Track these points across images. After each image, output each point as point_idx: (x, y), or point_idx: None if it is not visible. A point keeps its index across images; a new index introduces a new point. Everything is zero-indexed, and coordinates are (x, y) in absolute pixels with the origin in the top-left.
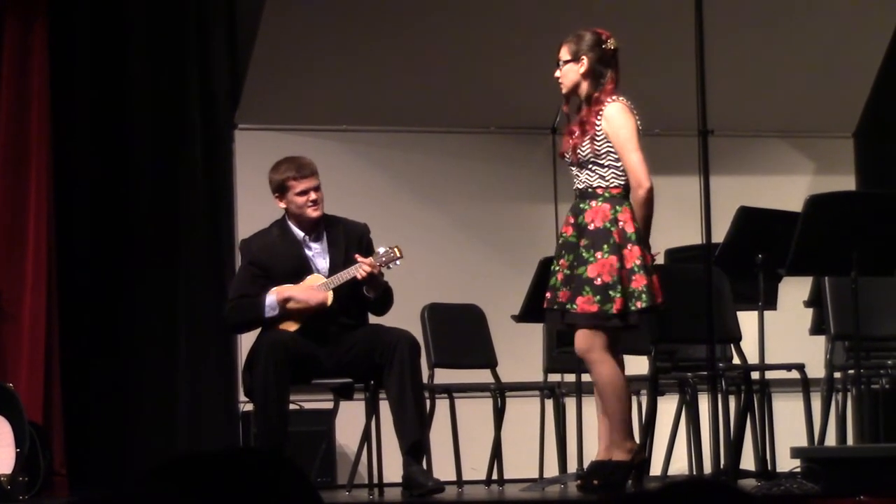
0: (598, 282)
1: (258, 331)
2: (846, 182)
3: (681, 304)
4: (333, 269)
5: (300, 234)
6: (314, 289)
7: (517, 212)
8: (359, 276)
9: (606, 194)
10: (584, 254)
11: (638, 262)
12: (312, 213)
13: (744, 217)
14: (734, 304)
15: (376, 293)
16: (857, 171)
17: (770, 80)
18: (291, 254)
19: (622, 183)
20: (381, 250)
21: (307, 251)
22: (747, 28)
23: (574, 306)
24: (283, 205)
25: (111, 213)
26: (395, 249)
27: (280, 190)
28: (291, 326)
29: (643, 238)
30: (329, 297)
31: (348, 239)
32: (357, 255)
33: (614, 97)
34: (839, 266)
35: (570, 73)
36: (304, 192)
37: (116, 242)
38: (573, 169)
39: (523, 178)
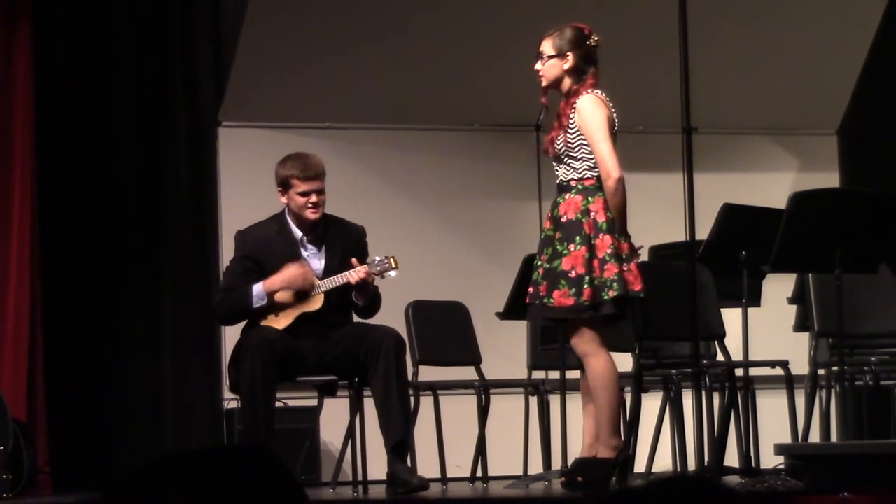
0: (573, 274)
1: (243, 328)
2: (830, 179)
3: (665, 301)
4: (328, 273)
5: (298, 233)
6: (298, 270)
7: (501, 209)
8: (352, 281)
9: (579, 186)
10: (558, 247)
11: (609, 251)
12: (311, 215)
13: (728, 214)
14: (718, 300)
15: (365, 300)
16: (841, 168)
17: (754, 78)
18: (287, 252)
19: (596, 174)
20: (377, 259)
21: (303, 251)
22: (731, 25)
23: (551, 300)
24: (284, 200)
25: (96, 211)
26: (391, 260)
27: (283, 185)
28: (279, 324)
29: (616, 227)
30: (320, 301)
31: (345, 243)
32: (354, 260)
33: (590, 91)
34: (823, 263)
35: (553, 69)
36: (306, 194)
37: (101, 239)
38: (553, 164)
39: (507, 176)
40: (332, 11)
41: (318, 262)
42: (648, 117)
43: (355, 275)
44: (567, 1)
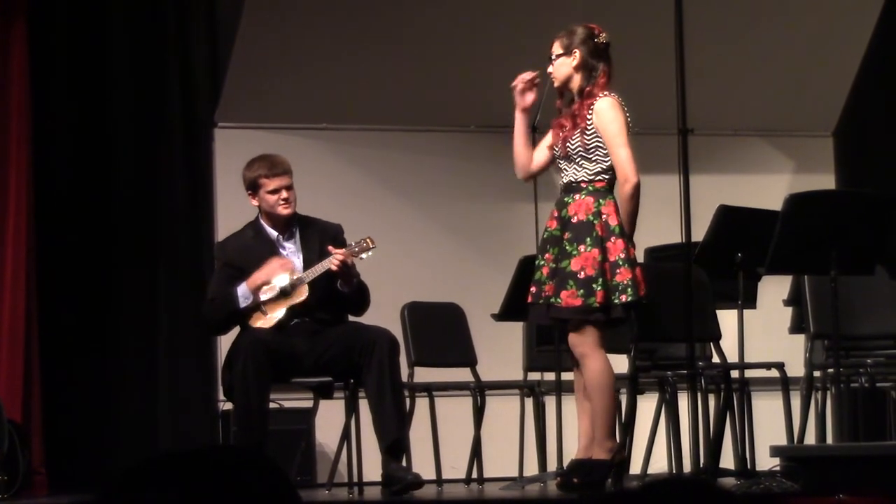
0: (582, 275)
1: (237, 330)
2: (826, 181)
3: (661, 302)
4: (307, 266)
5: (274, 233)
6: (277, 260)
7: (497, 210)
8: (332, 268)
9: (590, 188)
10: (567, 247)
11: (622, 255)
12: (283, 210)
13: (723, 216)
14: (714, 302)
15: (350, 287)
16: (837, 170)
17: (750, 79)
18: (266, 254)
19: (607, 177)
20: (353, 242)
21: (281, 250)
22: (727, 27)
23: (559, 300)
24: (255, 202)
25: (92, 212)
26: (368, 240)
27: (252, 187)
28: (268, 322)
29: (626, 233)
30: (305, 291)
31: (322, 239)
32: (330, 247)
33: (606, 92)
34: (819, 265)
35: (562, 67)
36: (276, 191)
37: (97, 241)
38: (561, 163)
39: (503, 177)
40: (328, 13)
41: (297, 260)
42: (644, 119)
43: (335, 259)
44: (563, 3)
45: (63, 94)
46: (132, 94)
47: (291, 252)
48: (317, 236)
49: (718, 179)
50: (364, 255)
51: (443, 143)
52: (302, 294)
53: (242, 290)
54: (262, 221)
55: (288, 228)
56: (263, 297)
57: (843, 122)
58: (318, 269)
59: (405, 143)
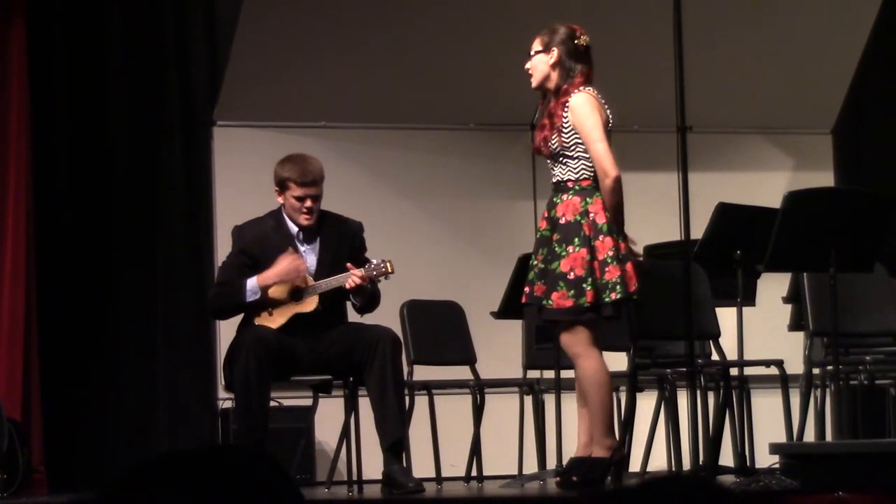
0: (571, 276)
1: (238, 327)
2: (825, 178)
3: (660, 300)
4: (321, 268)
5: (294, 229)
6: (290, 259)
7: (496, 208)
8: (347, 287)
9: (577, 187)
10: (556, 248)
11: (610, 253)
12: (303, 220)
13: (722, 213)
14: (713, 300)
15: (362, 301)
16: (836, 167)
17: (749, 77)
18: (283, 248)
19: (592, 174)
20: (374, 261)
21: (299, 247)
22: (726, 25)
23: (550, 302)
24: (280, 199)
25: (91, 210)
26: (388, 264)
27: (280, 186)
28: (273, 323)
29: (615, 228)
30: (314, 302)
31: (341, 239)
32: (349, 264)
33: (581, 89)
34: (818, 262)
35: (539, 64)
36: (301, 199)
37: (96, 239)
38: (548, 163)
39: (502, 175)
40: (326, 11)
41: (312, 258)
42: (643, 116)
43: (351, 281)
44: (563, 2)
45: (62, 94)
46: (131, 93)
47: (309, 250)
48: (336, 237)
49: (717, 177)
50: (382, 279)
51: (441, 141)
52: (311, 304)
53: (252, 285)
54: (285, 214)
55: (309, 229)
56: (272, 295)
57: (842, 119)
58: (333, 282)
59: (404, 140)
